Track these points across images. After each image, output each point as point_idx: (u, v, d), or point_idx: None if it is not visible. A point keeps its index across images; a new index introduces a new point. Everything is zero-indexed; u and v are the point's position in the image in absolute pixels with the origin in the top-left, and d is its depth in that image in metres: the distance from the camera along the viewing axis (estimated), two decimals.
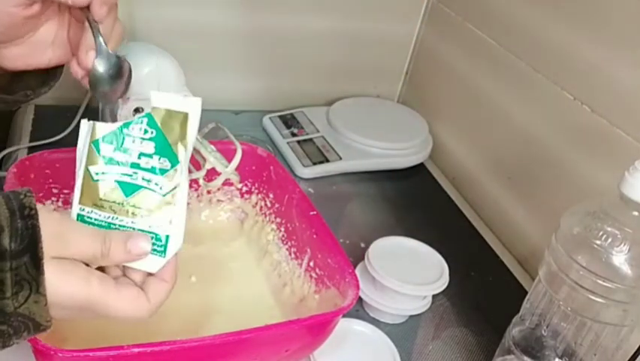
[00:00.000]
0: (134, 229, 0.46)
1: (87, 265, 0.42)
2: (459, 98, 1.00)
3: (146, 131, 0.46)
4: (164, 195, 0.46)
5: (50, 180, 0.64)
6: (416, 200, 0.93)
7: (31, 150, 0.82)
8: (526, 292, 0.60)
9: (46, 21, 0.50)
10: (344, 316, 0.55)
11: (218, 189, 0.73)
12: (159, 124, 0.46)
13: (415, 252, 0.72)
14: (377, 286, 0.69)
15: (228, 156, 0.65)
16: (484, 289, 0.79)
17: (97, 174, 0.46)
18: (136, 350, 0.46)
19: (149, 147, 0.46)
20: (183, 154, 0.46)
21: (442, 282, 0.68)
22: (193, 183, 0.68)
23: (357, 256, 0.72)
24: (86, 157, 0.46)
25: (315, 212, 0.65)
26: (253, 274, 0.68)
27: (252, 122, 1.01)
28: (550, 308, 0.56)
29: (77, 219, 0.45)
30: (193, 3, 0.93)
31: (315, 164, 0.92)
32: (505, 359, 0.61)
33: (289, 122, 1.00)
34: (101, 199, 0.46)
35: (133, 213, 0.46)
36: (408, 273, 0.68)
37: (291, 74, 1.06)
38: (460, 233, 0.88)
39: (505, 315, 0.62)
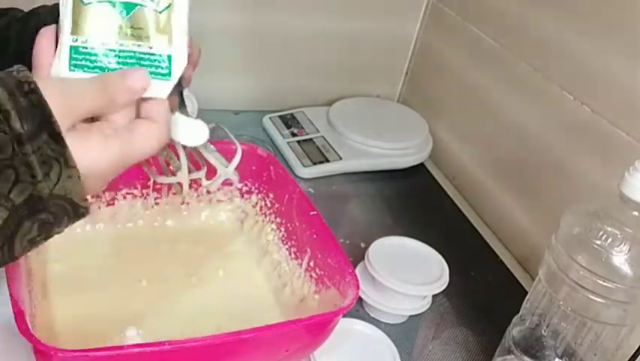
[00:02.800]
0: (134, 52, 0.43)
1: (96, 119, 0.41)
2: (459, 98, 1.00)
3: None
4: (160, 12, 0.43)
5: None
6: (416, 200, 0.93)
7: None
8: (526, 292, 0.60)
9: None
10: (344, 316, 0.55)
11: (218, 189, 0.73)
12: None
13: (415, 252, 0.72)
14: (377, 286, 0.69)
15: (228, 156, 0.65)
16: (484, 289, 0.79)
17: None
18: (136, 350, 0.46)
19: None
20: None
21: (442, 282, 0.68)
22: (193, 183, 0.68)
23: (357, 256, 0.72)
24: None
25: (315, 212, 0.65)
26: (253, 274, 0.68)
27: (252, 122, 1.01)
28: (550, 308, 0.56)
29: (71, 53, 0.42)
30: (193, 3, 0.93)
31: (315, 164, 0.92)
32: (505, 359, 0.61)
33: (289, 122, 1.00)
34: (95, 23, 0.42)
35: (132, 35, 0.43)
36: (408, 273, 0.68)
37: (291, 74, 1.06)
38: (460, 233, 0.88)
39: (505, 315, 0.62)
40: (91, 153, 0.38)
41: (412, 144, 0.99)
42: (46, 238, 0.38)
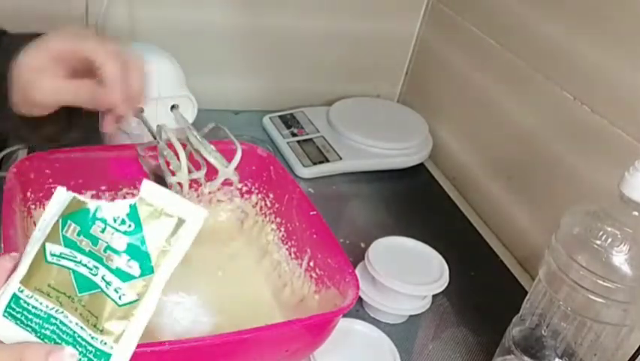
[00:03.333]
0: (74, 332, 0.38)
1: None
2: (459, 98, 1.00)
3: (123, 222, 0.38)
4: (120, 306, 0.37)
5: (50, 180, 0.64)
6: (416, 200, 0.93)
7: (31, 149, 0.82)
8: (526, 292, 0.60)
9: None
10: (344, 316, 0.55)
11: (218, 189, 0.73)
12: (142, 219, 0.38)
13: (415, 252, 0.72)
14: (377, 286, 0.69)
15: (228, 156, 0.65)
16: (484, 289, 0.79)
17: (53, 255, 0.38)
18: (136, 350, 0.46)
19: (121, 243, 0.38)
20: (162, 268, 0.38)
21: (442, 282, 0.68)
22: (193, 183, 0.68)
23: (357, 256, 0.72)
24: (49, 231, 0.39)
25: (315, 212, 0.65)
26: (253, 274, 0.68)
27: (252, 122, 1.01)
28: (550, 308, 0.56)
29: (11, 302, 0.38)
30: (193, 3, 0.93)
31: (315, 164, 0.92)
32: (505, 359, 0.61)
33: (289, 122, 1.00)
34: (49, 286, 0.38)
35: (80, 314, 0.38)
36: (408, 273, 0.68)
37: (291, 74, 1.06)
38: (460, 233, 0.88)
39: (505, 315, 0.62)
40: None
41: (412, 144, 0.99)
42: None
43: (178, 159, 0.64)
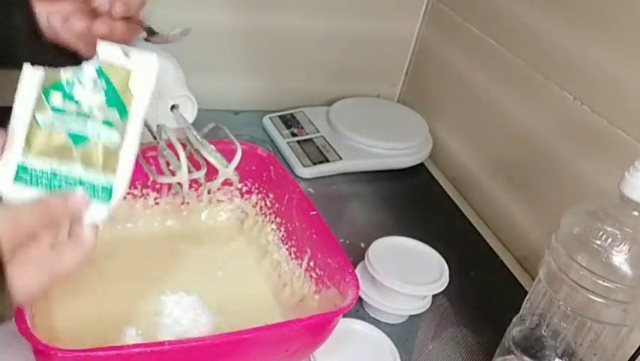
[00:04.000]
0: (80, 178, 0.46)
1: None
2: (459, 98, 1.00)
3: (95, 82, 0.46)
4: (111, 149, 0.46)
5: None
6: (416, 200, 0.93)
7: None
8: (526, 292, 0.60)
9: None
10: (344, 316, 0.55)
11: (218, 189, 0.73)
12: (108, 77, 0.46)
13: (415, 252, 0.72)
14: (377, 286, 0.69)
15: (228, 156, 0.65)
16: (484, 289, 0.79)
17: (44, 122, 0.45)
18: (136, 350, 0.47)
19: (99, 98, 0.46)
20: (134, 107, 0.47)
21: (442, 282, 0.68)
22: (193, 183, 0.68)
23: (357, 256, 0.72)
24: (34, 104, 0.45)
25: (315, 212, 0.65)
26: (253, 274, 0.68)
27: (252, 122, 1.01)
28: (550, 308, 0.56)
29: (18, 171, 0.45)
30: (193, 3, 0.93)
31: (315, 164, 0.92)
32: (505, 359, 0.61)
33: (289, 122, 1.00)
34: (48, 148, 0.45)
35: (81, 163, 0.46)
36: (408, 273, 0.68)
37: (291, 74, 1.06)
38: (460, 233, 0.88)
39: (505, 315, 0.62)
40: (25, 281, 0.41)
41: (412, 144, 0.99)
42: None
43: (178, 159, 0.64)
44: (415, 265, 0.70)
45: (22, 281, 0.41)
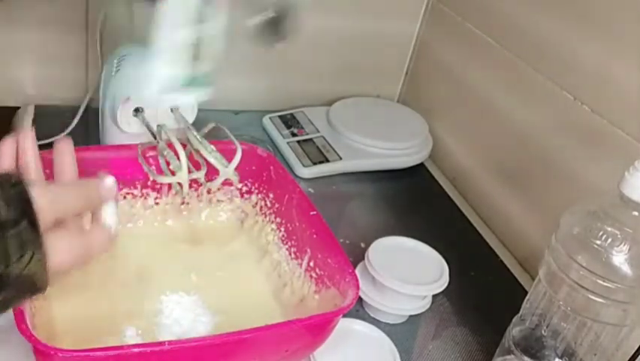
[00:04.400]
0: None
1: None
2: (459, 98, 1.00)
3: None
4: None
5: (50, 180, 0.64)
6: (416, 200, 0.93)
7: None
8: (526, 292, 0.60)
9: None
10: (344, 316, 0.55)
11: (218, 189, 0.73)
12: None
13: (415, 252, 0.72)
14: (377, 286, 0.69)
15: (228, 156, 0.65)
16: (484, 289, 0.79)
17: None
18: (136, 350, 0.47)
19: None
20: None
21: (442, 282, 0.68)
22: (193, 183, 0.68)
23: (357, 256, 0.72)
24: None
25: (315, 212, 0.65)
26: (253, 274, 0.68)
27: (252, 122, 1.01)
28: (550, 308, 0.56)
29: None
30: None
31: (315, 164, 0.92)
32: (505, 359, 0.61)
33: (289, 122, 1.00)
34: None
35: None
36: (408, 273, 0.68)
37: (291, 74, 1.06)
38: (460, 233, 0.88)
39: (505, 315, 0.62)
40: (60, 253, 0.42)
41: (412, 144, 0.99)
42: (4, 311, 0.41)
43: (178, 159, 0.64)
44: (415, 265, 0.70)
45: (59, 255, 0.42)
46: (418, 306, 0.70)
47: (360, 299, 0.69)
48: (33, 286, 0.41)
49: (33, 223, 0.40)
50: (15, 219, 0.39)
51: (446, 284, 0.69)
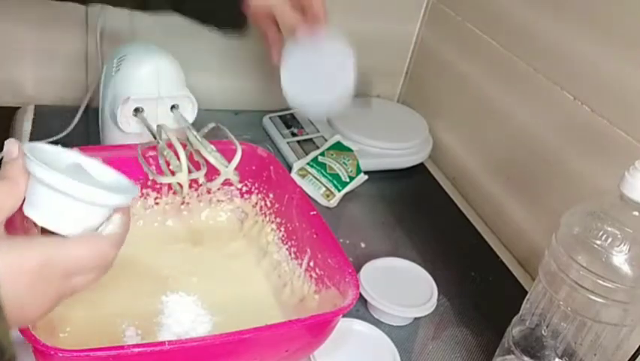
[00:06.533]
0: None
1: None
2: (459, 98, 1.00)
3: None
4: None
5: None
6: (416, 200, 0.93)
7: None
8: (526, 292, 0.60)
9: None
10: (344, 316, 0.55)
11: (218, 189, 0.73)
12: None
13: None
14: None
15: (228, 156, 0.65)
16: (484, 289, 0.79)
17: None
18: (136, 350, 0.46)
19: None
20: None
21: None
22: (193, 183, 0.68)
23: (357, 256, 0.72)
24: None
25: (315, 212, 0.65)
26: (253, 274, 0.68)
27: (252, 122, 1.01)
28: (550, 308, 0.56)
29: None
30: None
31: None
32: (505, 359, 0.61)
33: (289, 122, 1.00)
34: None
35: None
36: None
37: None
38: (459, 233, 0.88)
39: (505, 315, 0.62)
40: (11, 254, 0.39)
41: (412, 144, 0.98)
42: None
43: (178, 159, 0.64)
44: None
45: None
46: (422, 309, 0.69)
47: (363, 300, 0.69)
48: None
49: None
50: None
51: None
